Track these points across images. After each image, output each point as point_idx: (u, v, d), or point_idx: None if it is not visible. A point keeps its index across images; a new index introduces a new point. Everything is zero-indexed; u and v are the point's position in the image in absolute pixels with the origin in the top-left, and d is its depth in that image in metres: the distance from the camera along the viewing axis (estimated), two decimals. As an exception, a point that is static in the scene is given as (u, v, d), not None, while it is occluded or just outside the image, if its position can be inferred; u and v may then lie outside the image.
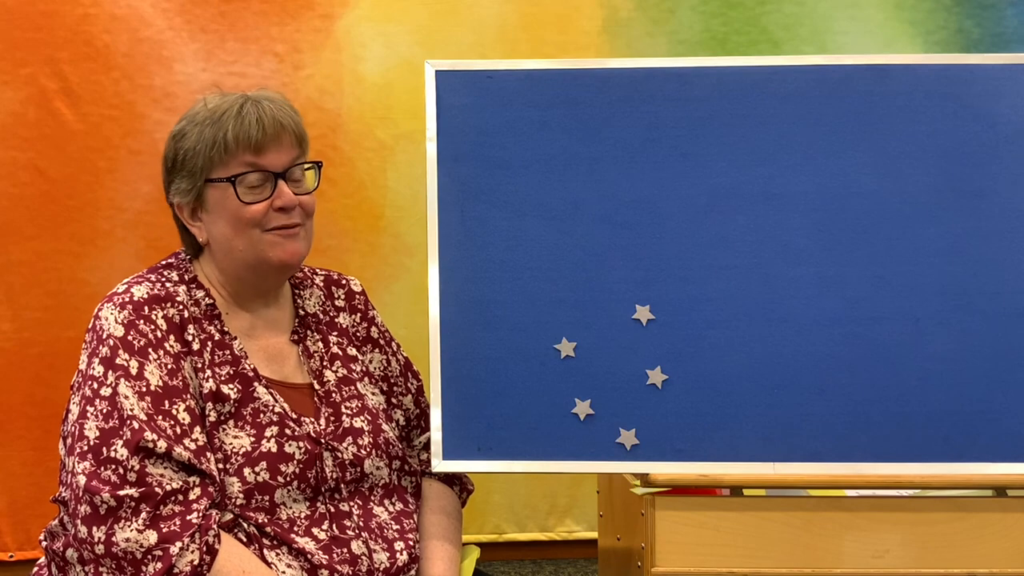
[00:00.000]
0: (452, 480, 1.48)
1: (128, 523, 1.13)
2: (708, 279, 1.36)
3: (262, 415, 1.26)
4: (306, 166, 1.34)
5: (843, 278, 1.36)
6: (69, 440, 1.21)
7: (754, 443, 1.34)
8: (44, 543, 1.29)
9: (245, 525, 1.21)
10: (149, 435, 1.16)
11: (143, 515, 1.14)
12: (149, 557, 1.13)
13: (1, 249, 2.70)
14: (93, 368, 1.22)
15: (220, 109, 1.29)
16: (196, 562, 1.14)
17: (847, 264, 1.36)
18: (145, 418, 1.17)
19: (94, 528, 1.14)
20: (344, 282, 1.49)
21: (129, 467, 1.15)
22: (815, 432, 1.34)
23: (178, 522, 1.15)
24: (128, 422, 1.16)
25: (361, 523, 1.29)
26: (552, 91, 1.40)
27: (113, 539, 1.13)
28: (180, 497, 1.16)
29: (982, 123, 1.38)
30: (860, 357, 1.35)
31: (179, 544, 1.13)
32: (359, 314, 1.47)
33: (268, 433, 1.25)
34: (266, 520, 1.22)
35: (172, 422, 1.19)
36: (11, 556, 2.68)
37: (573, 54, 2.82)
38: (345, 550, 1.25)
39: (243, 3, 2.77)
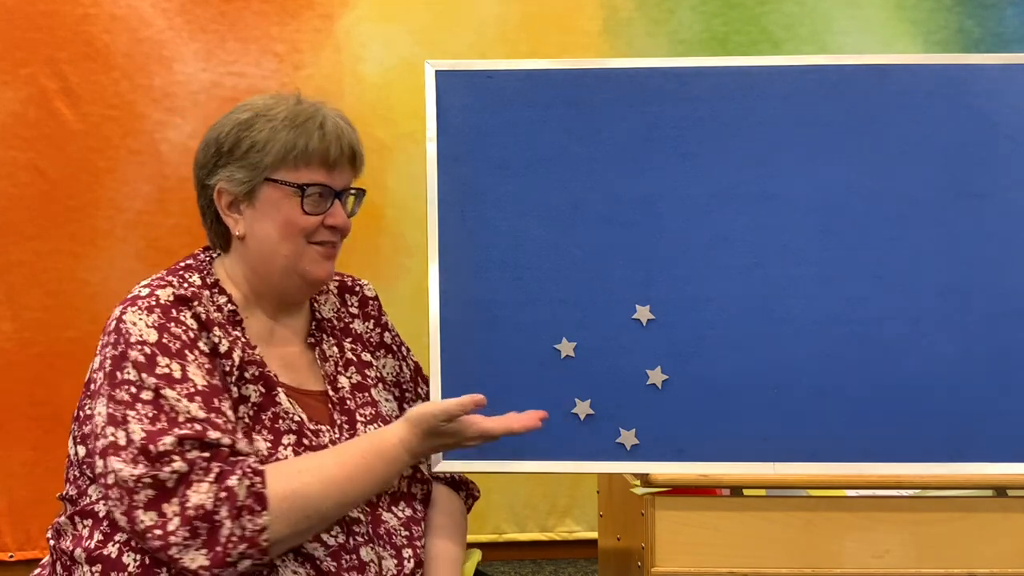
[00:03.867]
0: (459, 485, 1.48)
1: (199, 483, 1.12)
2: (708, 279, 1.36)
3: (281, 421, 1.26)
4: (352, 191, 1.36)
5: (843, 278, 1.36)
6: (100, 443, 1.18)
7: (754, 443, 1.34)
8: (51, 541, 1.27)
9: None
10: (213, 433, 1.15)
11: (214, 471, 1.13)
12: (219, 503, 1.12)
13: (1, 249, 2.70)
14: (126, 372, 1.18)
15: (303, 115, 1.29)
16: (248, 485, 1.13)
17: (847, 264, 1.36)
18: (204, 416, 1.16)
19: (166, 506, 1.12)
20: (357, 288, 1.49)
21: (188, 448, 1.14)
22: (815, 432, 1.34)
23: (233, 466, 1.15)
24: (190, 425, 1.15)
25: (370, 529, 1.28)
26: (552, 91, 1.40)
27: (187, 505, 1.11)
28: (237, 457, 1.16)
29: (982, 123, 1.38)
30: (860, 357, 1.35)
31: (235, 477, 1.13)
32: (373, 320, 1.48)
33: (285, 440, 1.25)
34: None
35: (224, 418, 1.18)
36: (11, 556, 2.68)
37: (573, 54, 2.83)
38: (354, 556, 1.24)
39: (243, 3, 2.77)
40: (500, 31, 2.84)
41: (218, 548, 1.11)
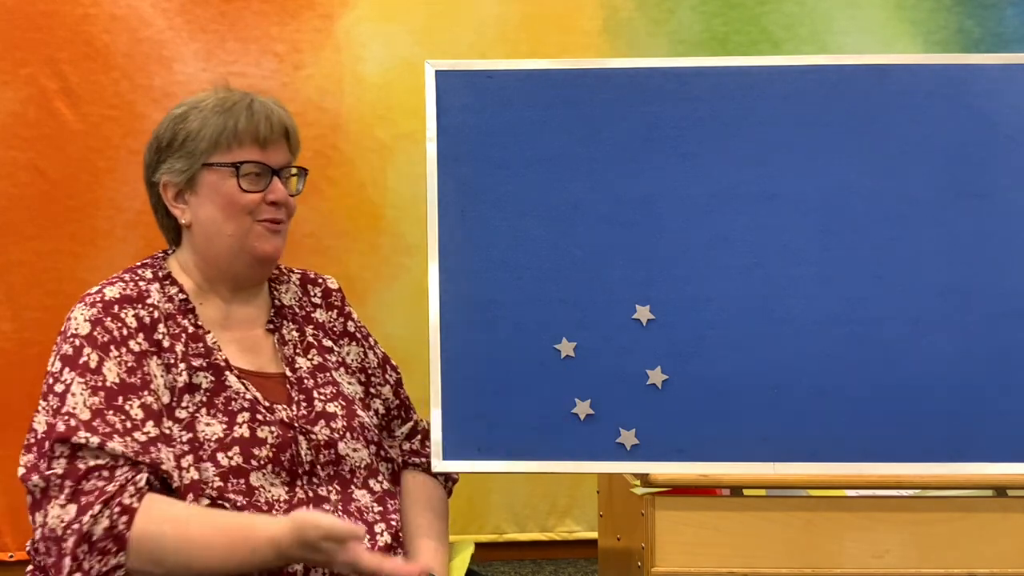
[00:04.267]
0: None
1: (55, 501, 1.14)
2: (708, 279, 1.36)
3: (233, 402, 1.28)
4: (294, 171, 1.40)
5: (843, 278, 1.36)
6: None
7: (754, 443, 1.34)
8: (29, 550, 1.30)
9: (226, 506, 1.22)
10: (82, 434, 1.17)
11: (66, 491, 1.15)
12: (68, 531, 1.13)
13: (1, 249, 2.70)
14: (53, 365, 1.25)
15: (230, 100, 1.36)
16: (108, 525, 1.13)
17: (847, 264, 1.36)
18: (88, 416, 1.18)
19: (37, 515, 1.16)
20: (320, 281, 1.52)
21: (62, 452, 1.17)
22: (815, 432, 1.34)
23: (96, 494, 1.15)
24: (67, 419, 1.18)
25: (340, 508, 1.29)
26: (552, 91, 1.40)
27: (47, 520, 1.14)
28: (104, 473, 1.16)
29: (982, 123, 1.38)
30: (860, 357, 1.35)
31: (91, 512, 1.13)
32: (335, 310, 1.50)
33: (240, 419, 1.27)
34: (245, 503, 1.23)
35: (122, 416, 1.20)
36: (11, 556, 2.68)
37: (573, 54, 2.82)
38: None
39: (243, 3, 2.77)
40: (500, 31, 2.84)
41: (61, 574, 1.13)
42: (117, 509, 1.14)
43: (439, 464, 1.34)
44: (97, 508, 1.13)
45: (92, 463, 1.16)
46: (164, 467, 1.20)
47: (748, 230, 1.37)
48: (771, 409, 1.34)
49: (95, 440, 1.17)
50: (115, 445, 1.17)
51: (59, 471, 1.15)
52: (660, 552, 1.34)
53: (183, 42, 2.75)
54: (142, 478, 1.18)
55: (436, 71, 1.40)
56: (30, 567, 1.34)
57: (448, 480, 1.50)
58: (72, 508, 1.14)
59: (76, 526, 1.13)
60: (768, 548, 1.34)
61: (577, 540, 2.94)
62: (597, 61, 1.43)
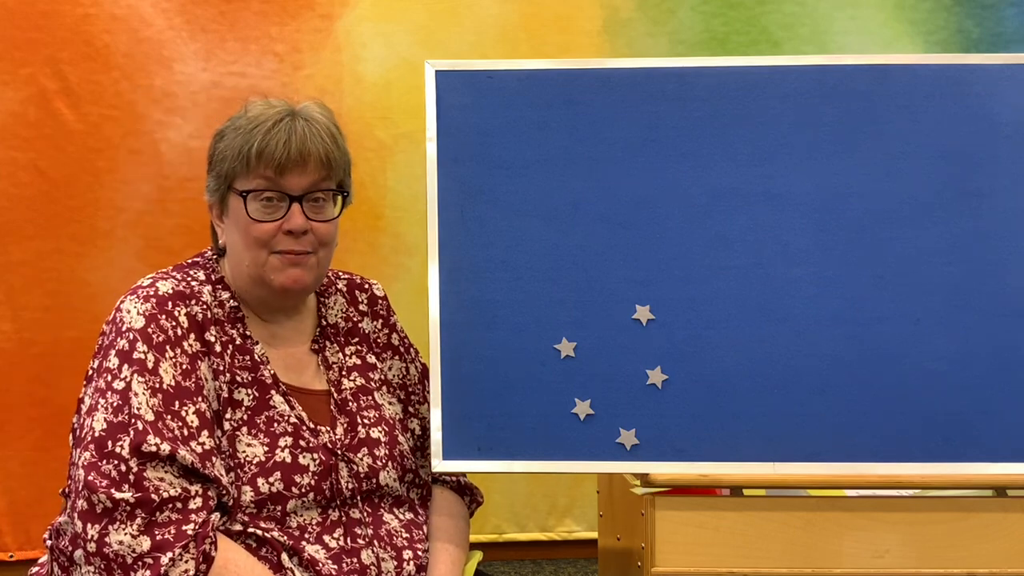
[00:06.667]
0: (463, 490, 1.48)
1: (123, 526, 1.12)
2: (708, 279, 1.36)
3: (276, 424, 1.26)
4: (334, 193, 1.32)
5: (843, 278, 1.36)
6: (78, 431, 1.21)
7: (754, 443, 1.34)
8: (49, 541, 1.28)
9: (258, 532, 1.21)
10: (152, 439, 1.14)
11: (138, 520, 1.13)
12: (139, 564, 1.12)
13: (1, 249, 2.70)
14: (109, 360, 1.20)
15: (257, 120, 1.27)
16: (191, 572, 1.13)
17: (847, 264, 1.36)
18: (152, 418, 1.16)
19: (88, 525, 1.13)
20: (367, 287, 1.49)
21: (130, 467, 1.14)
22: (815, 432, 1.34)
23: (173, 531, 1.13)
24: (134, 421, 1.15)
25: (371, 531, 1.29)
26: (552, 91, 1.40)
27: (106, 539, 1.12)
28: (178, 505, 1.15)
29: (982, 123, 1.38)
30: (860, 357, 1.35)
31: (170, 554, 1.12)
32: (381, 320, 1.47)
33: (282, 443, 1.25)
34: (276, 528, 1.22)
35: (180, 423, 1.18)
36: (11, 556, 2.68)
37: (573, 54, 2.83)
38: (355, 560, 1.25)
39: (243, 3, 2.77)
40: (500, 31, 2.84)
41: None
42: (200, 557, 1.14)
43: (439, 464, 1.34)
44: (177, 551, 1.13)
45: (165, 494, 1.14)
46: (224, 482, 1.19)
47: (748, 230, 1.37)
48: (771, 409, 1.34)
49: (166, 447, 1.15)
50: (184, 453, 1.16)
51: (130, 498, 1.13)
52: (660, 552, 1.34)
53: (183, 42, 2.75)
54: (215, 518, 1.17)
55: (436, 71, 1.40)
56: (37, 568, 1.33)
57: (473, 502, 1.50)
58: (145, 541, 1.12)
59: (150, 561, 1.12)
60: (768, 548, 1.34)
61: (577, 540, 2.94)
62: (597, 61, 1.43)
